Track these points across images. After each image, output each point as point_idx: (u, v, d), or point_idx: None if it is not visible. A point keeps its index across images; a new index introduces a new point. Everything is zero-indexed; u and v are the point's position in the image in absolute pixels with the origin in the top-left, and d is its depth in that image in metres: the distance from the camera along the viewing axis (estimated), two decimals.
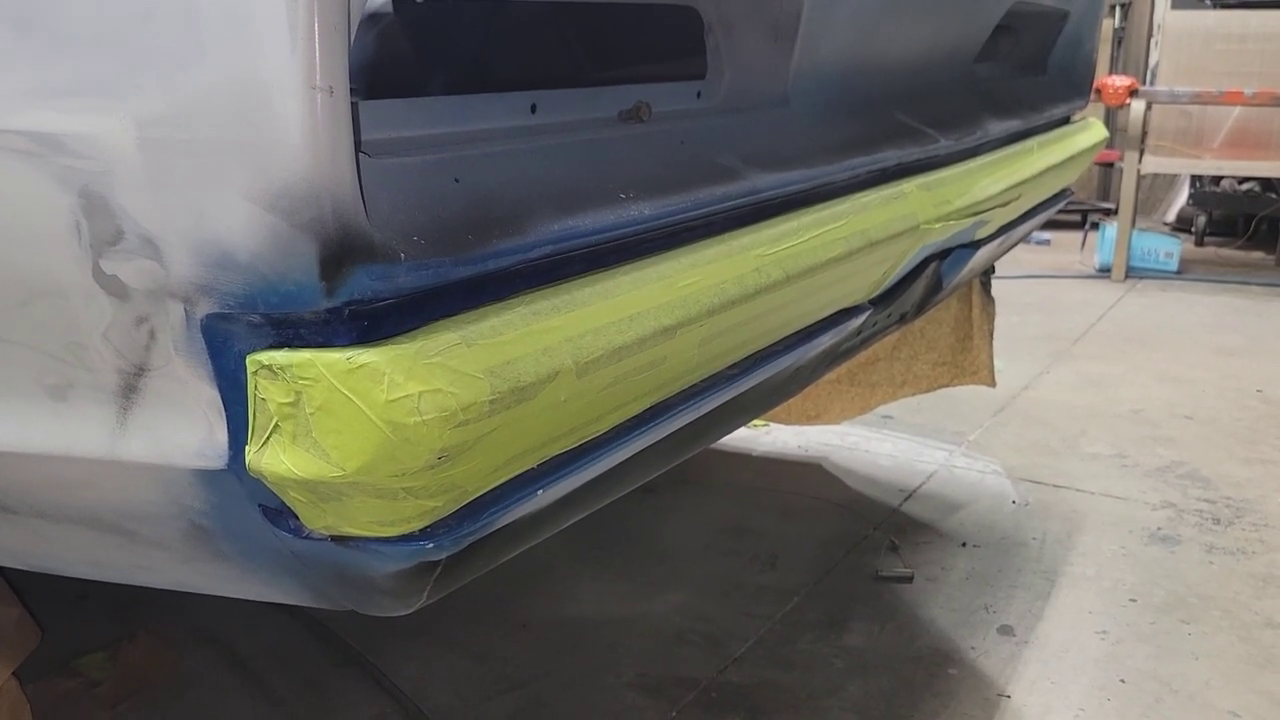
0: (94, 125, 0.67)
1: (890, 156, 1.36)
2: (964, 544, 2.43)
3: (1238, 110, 5.38)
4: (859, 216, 1.21)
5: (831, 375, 2.52)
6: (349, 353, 0.66)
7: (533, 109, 1.03)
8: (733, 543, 2.43)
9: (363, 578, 0.78)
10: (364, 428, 0.66)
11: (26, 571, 1.02)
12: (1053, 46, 2.27)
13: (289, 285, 0.65)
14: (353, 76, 0.65)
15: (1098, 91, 5.13)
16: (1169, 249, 5.50)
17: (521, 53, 1.18)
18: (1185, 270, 5.50)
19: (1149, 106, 5.32)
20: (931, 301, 1.69)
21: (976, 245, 1.66)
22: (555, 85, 1.06)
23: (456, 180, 0.79)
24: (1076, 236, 6.18)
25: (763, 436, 3.06)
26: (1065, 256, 5.88)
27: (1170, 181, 6.89)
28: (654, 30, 1.25)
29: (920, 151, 1.44)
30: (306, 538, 0.75)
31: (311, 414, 0.67)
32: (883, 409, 3.06)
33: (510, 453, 0.77)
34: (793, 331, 1.21)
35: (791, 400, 2.20)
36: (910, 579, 2.25)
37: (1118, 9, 7.09)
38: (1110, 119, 6.29)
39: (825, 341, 1.28)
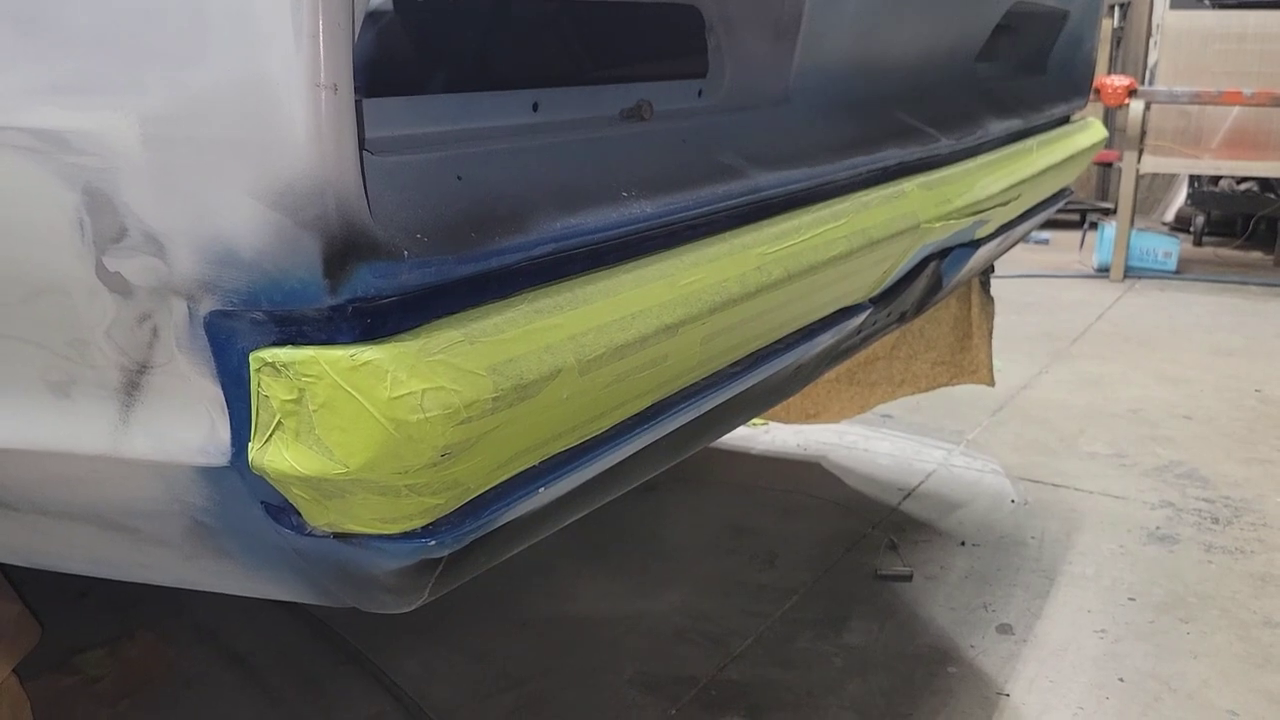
0: (98, 122, 0.67)
1: (891, 155, 1.36)
2: (963, 543, 2.43)
3: (1236, 110, 5.38)
4: (860, 215, 1.21)
5: (831, 374, 2.53)
6: (352, 350, 0.67)
7: (535, 107, 1.03)
8: (732, 541, 2.43)
9: (365, 575, 0.78)
10: (367, 425, 0.67)
11: (27, 568, 1.02)
12: (1052, 46, 2.27)
13: (292, 282, 0.65)
14: (355, 74, 0.65)
15: (1097, 91, 5.13)
16: (1167, 249, 5.50)
17: (524, 51, 1.18)
18: (1184, 270, 5.50)
19: (1148, 106, 5.33)
20: (931, 300, 1.69)
21: (976, 244, 1.66)
22: (557, 83, 1.07)
23: (459, 178, 0.79)
24: (1075, 236, 6.18)
25: (762, 435, 3.06)
26: (1064, 256, 5.88)
27: (1169, 181, 6.90)
28: (656, 28, 1.25)
29: (921, 151, 1.44)
30: (309, 535, 0.75)
31: (314, 411, 0.67)
32: (882, 408, 3.07)
33: (512, 450, 0.77)
34: (793, 330, 1.21)
35: (791, 399, 2.21)
36: (909, 577, 2.26)
37: (1117, 9, 7.10)
38: (1109, 119, 6.29)
39: (826, 340, 1.28)
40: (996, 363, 2.70)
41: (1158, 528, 2.51)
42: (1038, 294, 4.95)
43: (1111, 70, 6.90)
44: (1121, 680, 1.90)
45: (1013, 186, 1.67)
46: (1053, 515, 2.58)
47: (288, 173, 0.63)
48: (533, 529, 0.91)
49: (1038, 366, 3.77)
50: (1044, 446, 3.02)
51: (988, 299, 2.60)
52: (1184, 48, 5.56)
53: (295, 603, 1.15)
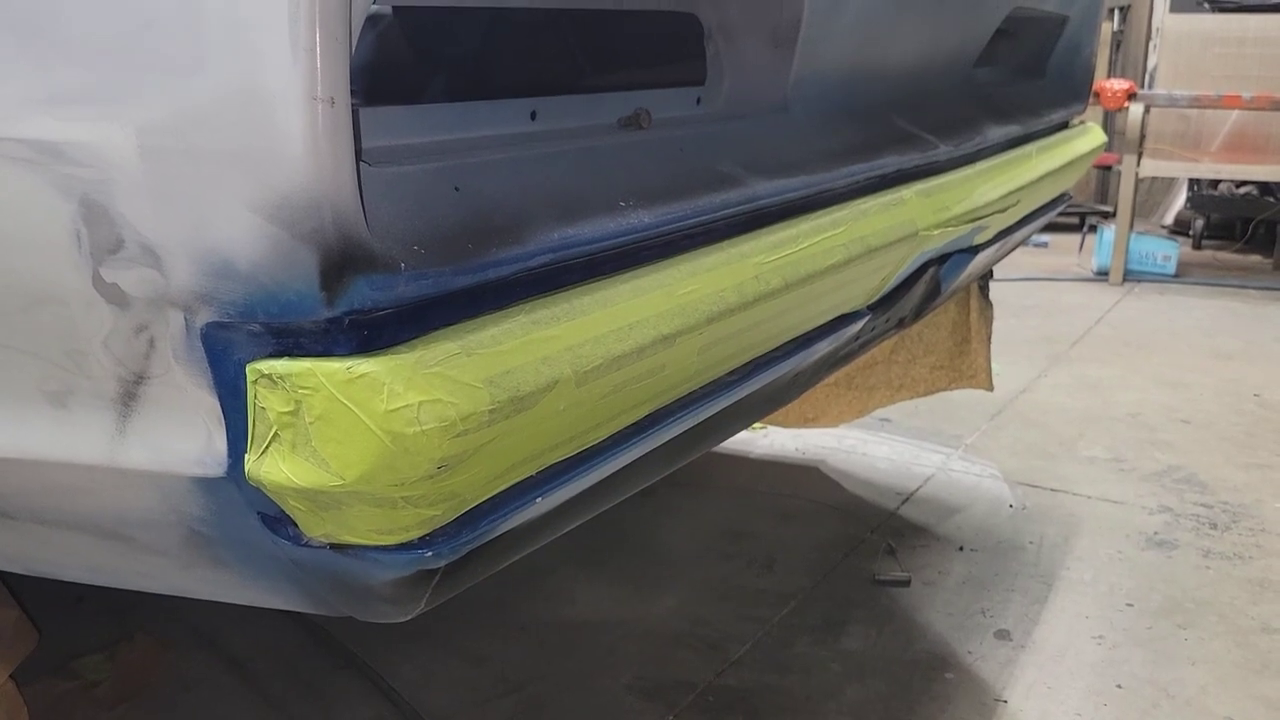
0: (95, 134, 0.67)
1: (889, 163, 1.36)
2: (961, 548, 2.43)
3: (1236, 114, 5.39)
4: (858, 223, 1.21)
5: (829, 379, 2.53)
6: (349, 362, 0.67)
7: (533, 116, 1.04)
8: (730, 546, 2.43)
9: (361, 585, 0.78)
10: (363, 437, 0.67)
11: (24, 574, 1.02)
12: (1051, 51, 2.27)
13: (289, 295, 0.65)
14: (352, 82, 0.65)
15: (1096, 95, 5.14)
16: (1167, 252, 5.50)
17: (521, 59, 1.18)
18: (1183, 273, 5.50)
19: (1147, 110, 5.33)
20: (929, 306, 1.69)
21: (975, 250, 1.66)
22: (555, 92, 1.07)
23: (456, 188, 0.79)
24: (1075, 239, 6.19)
25: (760, 439, 3.06)
26: (1063, 259, 5.89)
27: (1168, 185, 6.90)
28: (654, 36, 1.25)
29: (919, 157, 1.44)
30: (305, 545, 0.75)
31: (311, 423, 0.67)
32: (880, 412, 3.07)
33: (509, 461, 0.77)
34: (791, 338, 1.21)
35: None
36: (907, 583, 2.26)
37: (1116, 12, 7.10)
38: (1109, 122, 6.29)
39: (824, 347, 1.28)
40: (995, 366, 2.70)
41: (1156, 533, 2.51)
42: (1037, 297, 4.95)
43: (1111, 74, 6.90)
44: (1119, 686, 1.90)
45: (1011, 193, 1.67)
46: (1051, 520, 2.58)
47: (284, 185, 0.63)
48: (530, 538, 0.91)
49: (1036, 370, 3.77)
50: (1042, 451, 3.02)
51: (986, 303, 2.60)
52: (1183, 51, 5.56)
53: None
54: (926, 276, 1.54)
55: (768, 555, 2.38)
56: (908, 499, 2.70)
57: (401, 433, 0.66)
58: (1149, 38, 6.63)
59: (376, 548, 0.74)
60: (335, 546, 0.75)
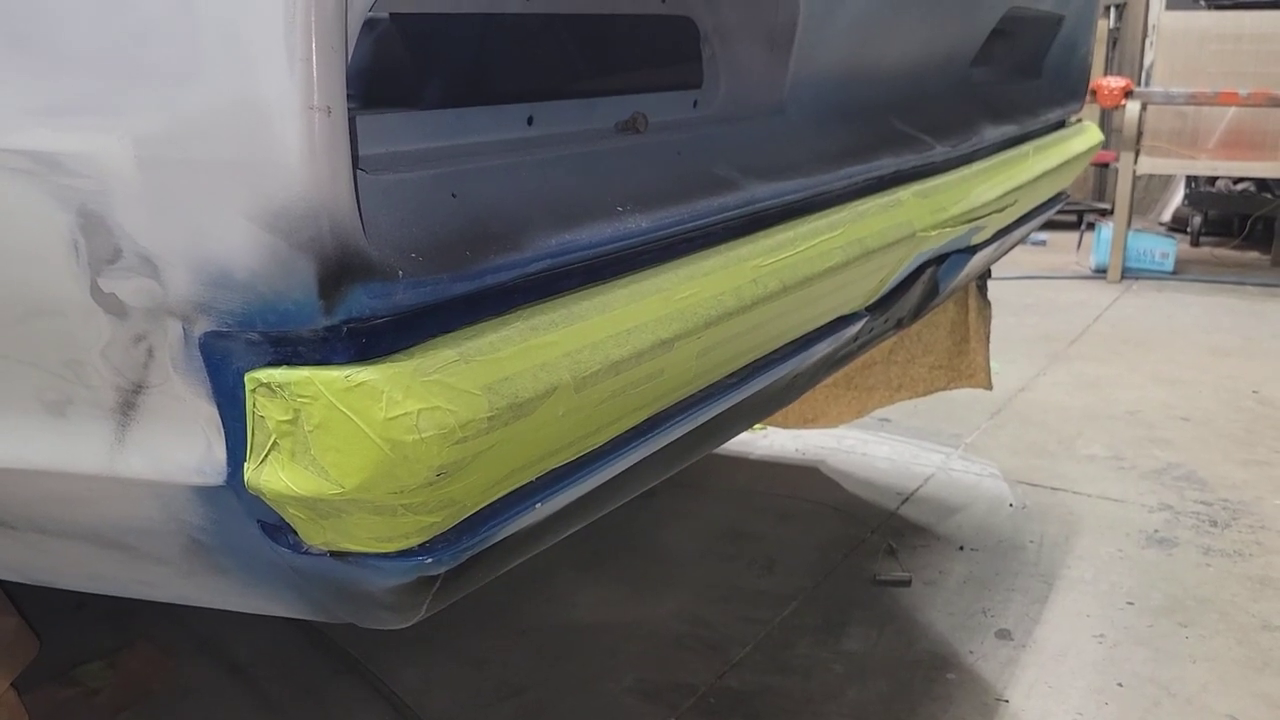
0: (92, 144, 0.67)
1: (886, 164, 1.36)
2: (961, 547, 2.43)
3: (1233, 111, 5.39)
4: (855, 225, 1.21)
5: (828, 379, 2.53)
6: (347, 370, 0.67)
7: (529, 121, 1.03)
8: (730, 547, 2.43)
9: (362, 592, 0.78)
10: (362, 445, 0.67)
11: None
12: (1048, 50, 2.27)
13: (287, 304, 0.65)
14: (349, 88, 0.65)
15: (1093, 93, 5.14)
16: (1164, 249, 5.51)
17: (518, 64, 1.18)
18: (1181, 271, 5.51)
19: (1144, 107, 5.34)
20: (928, 307, 1.69)
21: (972, 250, 1.66)
22: (552, 97, 1.07)
23: (454, 195, 0.79)
24: (1072, 237, 6.19)
25: (760, 440, 3.07)
26: (1061, 257, 5.89)
27: (1166, 182, 6.91)
28: (650, 40, 1.25)
29: (916, 159, 1.44)
30: (305, 553, 0.75)
31: (310, 431, 0.67)
32: (880, 412, 3.07)
33: (508, 468, 0.77)
34: (790, 340, 1.21)
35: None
36: (908, 583, 2.26)
37: (1112, 10, 7.10)
38: (1105, 120, 6.29)
39: (822, 349, 1.28)
40: (994, 365, 2.70)
41: (1156, 531, 2.51)
42: (1035, 295, 4.96)
43: (1107, 71, 6.90)
44: (1120, 685, 1.90)
45: (1009, 193, 1.67)
46: (1051, 519, 2.58)
47: (282, 195, 0.63)
48: (530, 543, 0.91)
49: (1035, 368, 3.77)
50: (1042, 449, 3.02)
51: (985, 303, 2.60)
52: (1180, 48, 5.57)
53: None
54: (924, 277, 1.54)
55: (768, 556, 2.38)
56: (908, 499, 2.70)
57: (400, 440, 0.66)
58: (1145, 35, 6.62)
59: (376, 555, 0.74)
60: (335, 554, 0.75)
